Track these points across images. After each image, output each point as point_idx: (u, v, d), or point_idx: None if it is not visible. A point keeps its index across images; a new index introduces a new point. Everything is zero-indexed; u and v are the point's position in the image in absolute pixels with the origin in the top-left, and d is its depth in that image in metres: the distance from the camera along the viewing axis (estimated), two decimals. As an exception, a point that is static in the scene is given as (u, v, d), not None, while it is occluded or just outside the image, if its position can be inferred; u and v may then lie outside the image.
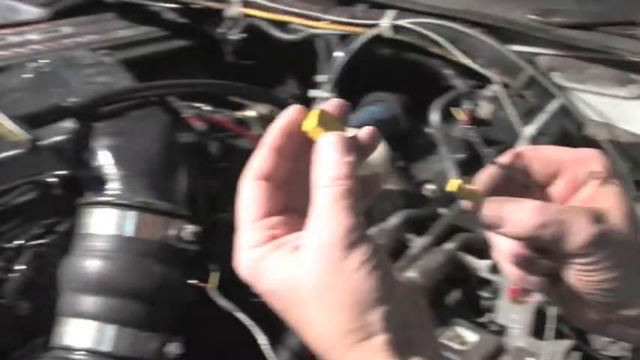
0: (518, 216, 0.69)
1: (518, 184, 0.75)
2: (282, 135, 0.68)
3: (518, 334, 1.43)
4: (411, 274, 1.43)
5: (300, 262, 0.63)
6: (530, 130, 1.54)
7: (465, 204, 0.71)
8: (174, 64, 1.93)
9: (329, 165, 0.64)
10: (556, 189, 0.76)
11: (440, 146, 1.62)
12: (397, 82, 1.76)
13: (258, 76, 1.73)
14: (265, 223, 0.68)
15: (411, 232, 1.55)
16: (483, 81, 1.63)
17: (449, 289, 1.53)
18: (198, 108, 1.60)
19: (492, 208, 0.71)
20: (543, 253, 0.75)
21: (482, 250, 1.47)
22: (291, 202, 0.69)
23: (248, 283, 0.67)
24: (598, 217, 0.70)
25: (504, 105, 1.55)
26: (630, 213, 0.71)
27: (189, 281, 1.31)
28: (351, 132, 0.65)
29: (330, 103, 0.69)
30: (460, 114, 1.45)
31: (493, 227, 0.71)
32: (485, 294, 1.50)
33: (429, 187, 1.64)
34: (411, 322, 0.65)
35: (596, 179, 0.72)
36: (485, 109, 1.60)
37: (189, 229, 1.30)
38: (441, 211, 1.58)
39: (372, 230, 1.43)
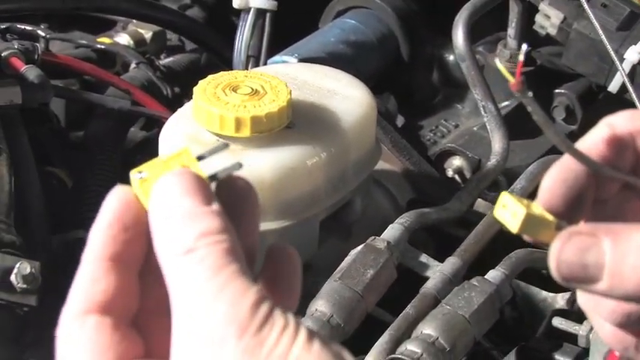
0: (624, 261, 0.56)
1: (616, 190, 0.62)
2: (117, 234, 0.55)
3: None
4: (430, 330, 1.12)
5: None
6: (632, 53, 1.33)
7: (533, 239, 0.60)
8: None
9: (185, 220, 0.53)
10: None
11: (474, 87, 1.37)
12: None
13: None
14: None
15: (425, 249, 1.25)
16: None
17: (497, 353, 1.23)
18: (30, 37, 1.41)
19: (576, 248, 0.57)
20: None
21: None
22: (155, 343, 0.56)
23: None
24: None
25: (585, 9, 1.33)
26: None
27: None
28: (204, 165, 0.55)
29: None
30: (498, 63, 1.17)
31: (580, 282, 0.57)
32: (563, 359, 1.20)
33: (456, 165, 1.44)
34: None
35: None
36: (552, 19, 1.41)
37: (20, 269, 1.07)
38: (480, 207, 1.34)
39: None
